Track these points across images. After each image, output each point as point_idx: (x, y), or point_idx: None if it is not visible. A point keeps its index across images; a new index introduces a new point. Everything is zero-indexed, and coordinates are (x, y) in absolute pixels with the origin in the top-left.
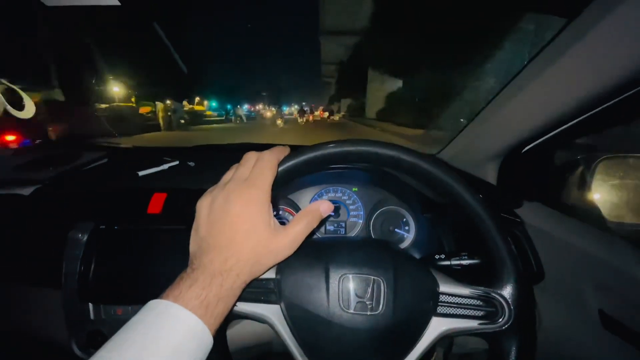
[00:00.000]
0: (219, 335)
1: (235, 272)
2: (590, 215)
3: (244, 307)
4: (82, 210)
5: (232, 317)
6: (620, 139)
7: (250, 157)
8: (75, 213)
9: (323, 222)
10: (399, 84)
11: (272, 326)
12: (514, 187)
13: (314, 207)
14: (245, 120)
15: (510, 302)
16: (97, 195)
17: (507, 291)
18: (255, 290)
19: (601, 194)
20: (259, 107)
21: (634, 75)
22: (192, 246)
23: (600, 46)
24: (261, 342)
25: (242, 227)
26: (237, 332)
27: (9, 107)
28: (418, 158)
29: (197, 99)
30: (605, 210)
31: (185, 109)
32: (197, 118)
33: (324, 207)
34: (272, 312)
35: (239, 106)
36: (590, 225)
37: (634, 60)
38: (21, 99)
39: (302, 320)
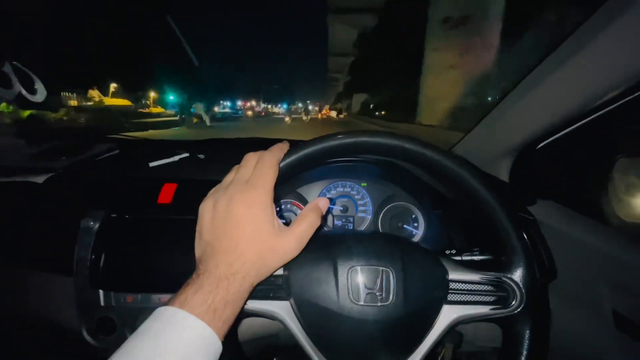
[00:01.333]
0: (229, 338)
1: (241, 275)
2: (606, 214)
3: (253, 305)
4: (94, 198)
5: (242, 316)
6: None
7: (251, 157)
8: (88, 201)
9: (326, 218)
10: (425, 80)
11: (283, 323)
12: (527, 184)
13: (313, 205)
14: (208, 124)
15: (521, 286)
16: (109, 184)
17: (518, 275)
18: (264, 287)
19: (617, 193)
20: (251, 103)
21: None
22: (197, 251)
23: (616, 43)
24: (268, 334)
25: (246, 229)
26: (244, 326)
27: (22, 90)
28: (422, 146)
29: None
30: (621, 209)
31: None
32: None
33: (322, 202)
34: (282, 309)
35: (198, 103)
36: (604, 225)
37: None
38: (33, 81)
39: (312, 315)
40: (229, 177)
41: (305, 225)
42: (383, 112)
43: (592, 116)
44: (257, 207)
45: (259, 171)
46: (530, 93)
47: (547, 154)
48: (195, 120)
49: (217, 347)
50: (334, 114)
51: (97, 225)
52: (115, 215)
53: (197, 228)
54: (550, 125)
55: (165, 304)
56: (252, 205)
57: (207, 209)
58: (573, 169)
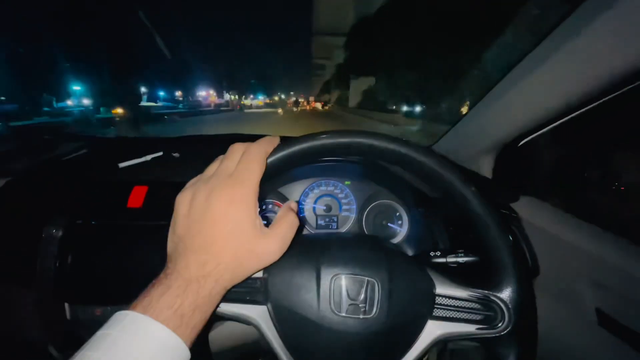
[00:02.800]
0: (199, 345)
1: (213, 278)
2: (587, 211)
3: (227, 308)
4: (57, 204)
5: (214, 319)
6: (616, 134)
7: (237, 149)
8: (50, 207)
9: (307, 218)
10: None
11: (257, 328)
12: (510, 181)
13: (288, 206)
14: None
15: (510, 307)
16: (74, 188)
17: (507, 294)
18: (240, 290)
19: (597, 189)
20: (209, 92)
21: (631, 70)
22: (169, 247)
23: (597, 41)
24: (247, 341)
25: (224, 227)
26: (221, 332)
27: None
28: (413, 150)
29: None
30: (602, 205)
31: None
32: None
33: (293, 205)
34: (258, 314)
35: None
36: (586, 222)
37: (631, 56)
38: None
39: (290, 322)
40: (211, 169)
41: (286, 226)
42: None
43: (574, 113)
44: (238, 204)
45: (244, 164)
46: (512, 90)
47: (529, 150)
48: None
49: (184, 355)
50: (319, 105)
51: (60, 233)
52: (80, 221)
53: (172, 222)
54: (533, 122)
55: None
56: (233, 201)
57: (184, 202)
58: (555, 166)
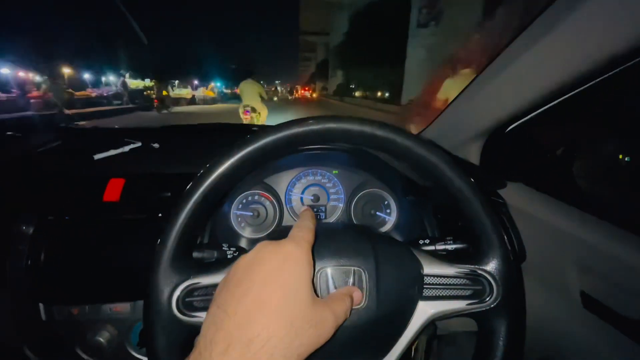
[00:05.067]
0: (182, 353)
1: (267, 352)
2: (573, 196)
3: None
4: (26, 200)
5: (198, 330)
6: (603, 119)
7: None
8: (19, 203)
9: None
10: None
11: None
12: (497, 167)
13: (348, 291)
14: None
15: (497, 279)
16: (45, 182)
17: (493, 267)
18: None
19: (584, 175)
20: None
21: (618, 53)
22: (206, 321)
23: (583, 25)
24: None
25: (278, 287)
26: None
27: None
28: (394, 132)
29: None
30: (588, 191)
31: None
32: None
33: (357, 295)
34: None
35: None
36: (572, 207)
37: (618, 39)
38: None
39: None
40: None
41: (342, 307)
42: (365, 93)
43: (561, 98)
44: (293, 262)
45: (296, 230)
46: (499, 76)
47: (517, 136)
48: None
49: None
50: (308, 94)
51: (31, 230)
52: (52, 217)
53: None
54: (520, 107)
55: (119, 313)
56: (287, 258)
57: (232, 269)
58: (542, 151)
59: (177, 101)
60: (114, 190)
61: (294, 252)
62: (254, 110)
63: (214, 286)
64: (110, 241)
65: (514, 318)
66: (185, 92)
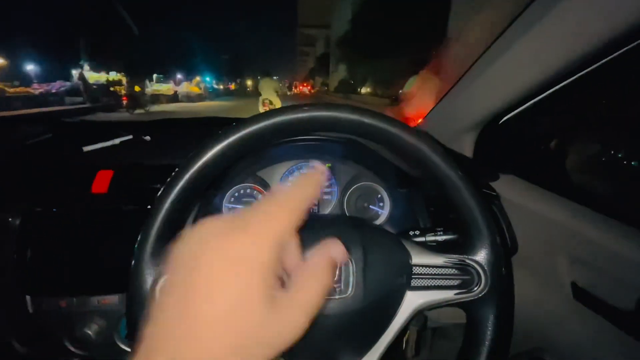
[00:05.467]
0: None
1: None
2: (565, 188)
3: None
4: (13, 191)
5: None
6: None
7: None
8: (6, 195)
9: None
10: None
11: None
12: (491, 159)
13: (324, 255)
14: None
15: (485, 268)
16: (33, 174)
17: (482, 256)
18: None
19: (576, 166)
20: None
21: (610, 41)
22: (143, 334)
23: (575, 13)
24: None
25: (219, 304)
26: None
27: None
28: (383, 121)
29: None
30: (580, 182)
31: None
32: None
33: (336, 250)
34: None
35: None
36: (564, 198)
37: (610, 28)
38: None
39: None
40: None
41: (313, 288)
42: (374, 90)
43: (554, 88)
44: (244, 267)
45: (264, 208)
46: (491, 67)
47: (510, 128)
48: None
49: None
50: (306, 90)
51: (17, 221)
52: (40, 209)
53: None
54: (513, 98)
55: (107, 305)
56: (236, 262)
57: (175, 256)
58: (535, 143)
59: (156, 99)
60: (102, 181)
61: (248, 255)
62: (270, 102)
63: None
64: (98, 233)
65: (502, 308)
66: (166, 88)
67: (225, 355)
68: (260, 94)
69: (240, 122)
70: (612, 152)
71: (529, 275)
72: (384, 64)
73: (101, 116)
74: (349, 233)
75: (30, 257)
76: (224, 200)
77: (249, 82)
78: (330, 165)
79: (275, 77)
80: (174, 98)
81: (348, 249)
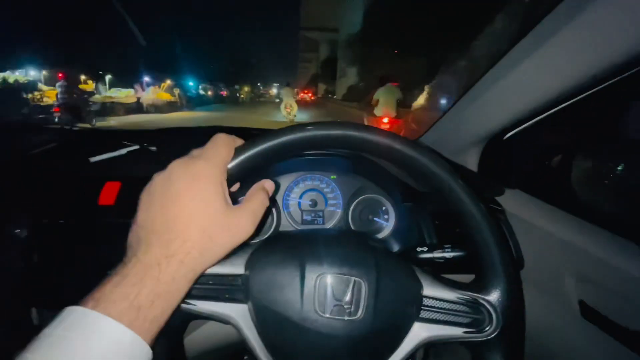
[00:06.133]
0: (168, 341)
1: (178, 258)
2: (572, 204)
3: (204, 306)
4: (20, 203)
5: (189, 318)
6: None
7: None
8: (13, 206)
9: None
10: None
11: (237, 328)
12: (496, 174)
13: (260, 185)
14: None
15: (498, 311)
16: (39, 185)
17: (496, 298)
18: (219, 287)
19: (583, 183)
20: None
21: (617, 63)
22: (130, 237)
23: (582, 34)
24: (232, 342)
25: (189, 202)
26: (204, 332)
27: None
28: (397, 141)
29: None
30: (586, 198)
31: None
32: None
33: (269, 184)
34: (238, 313)
35: None
36: (571, 214)
37: (617, 49)
38: None
39: (271, 323)
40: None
41: (257, 202)
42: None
43: (560, 106)
44: (203, 179)
45: (210, 146)
46: (497, 83)
47: (515, 143)
48: None
49: (143, 354)
50: (307, 97)
51: (24, 234)
52: (46, 221)
53: (134, 218)
54: (518, 114)
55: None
56: (197, 177)
57: (145, 190)
58: (540, 158)
59: (111, 109)
60: (109, 193)
61: (203, 170)
62: (291, 106)
63: (213, 276)
64: (105, 246)
65: (512, 351)
66: (124, 95)
67: (197, 236)
68: (279, 100)
69: (317, 125)
70: (618, 168)
71: (536, 292)
72: (406, 65)
73: None
74: (363, 253)
75: (36, 269)
76: None
77: (246, 89)
78: (335, 177)
79: (294, 88)
80: (138, 108)
81: (363, 269)
